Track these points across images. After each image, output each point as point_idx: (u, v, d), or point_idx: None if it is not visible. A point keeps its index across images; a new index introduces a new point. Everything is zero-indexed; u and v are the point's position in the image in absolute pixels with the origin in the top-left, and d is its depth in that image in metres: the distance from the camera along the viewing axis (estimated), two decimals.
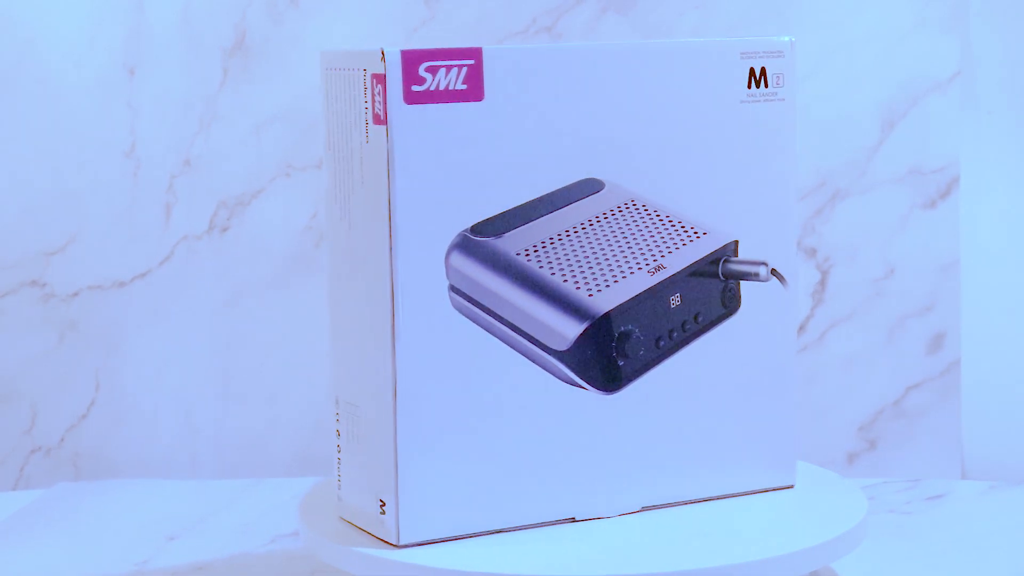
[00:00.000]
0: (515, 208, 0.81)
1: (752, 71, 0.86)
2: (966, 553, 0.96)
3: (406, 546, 0.80)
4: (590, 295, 0.82)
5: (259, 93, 1.13)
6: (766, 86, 0.86)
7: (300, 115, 1.13)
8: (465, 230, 0.80)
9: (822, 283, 1.12)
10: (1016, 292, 1.11)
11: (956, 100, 1.10)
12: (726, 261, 0.86)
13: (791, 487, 0.89)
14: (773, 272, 0.87)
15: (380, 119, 0.78)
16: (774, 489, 0.88)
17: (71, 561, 0.99)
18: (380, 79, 0.78)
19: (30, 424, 1.17)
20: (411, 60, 0.77)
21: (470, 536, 0.81)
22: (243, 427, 1.16)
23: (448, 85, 0.78)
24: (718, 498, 0.87)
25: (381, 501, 0.80)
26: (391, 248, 0.78)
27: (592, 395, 0.83)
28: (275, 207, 1.14)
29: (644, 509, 0.85)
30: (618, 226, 0.83)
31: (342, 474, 0.84)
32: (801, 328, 1.12)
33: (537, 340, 0.81)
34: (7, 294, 1.16)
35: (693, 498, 0.86)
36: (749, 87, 0.85)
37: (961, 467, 1.12)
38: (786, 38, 0.87)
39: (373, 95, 0.78)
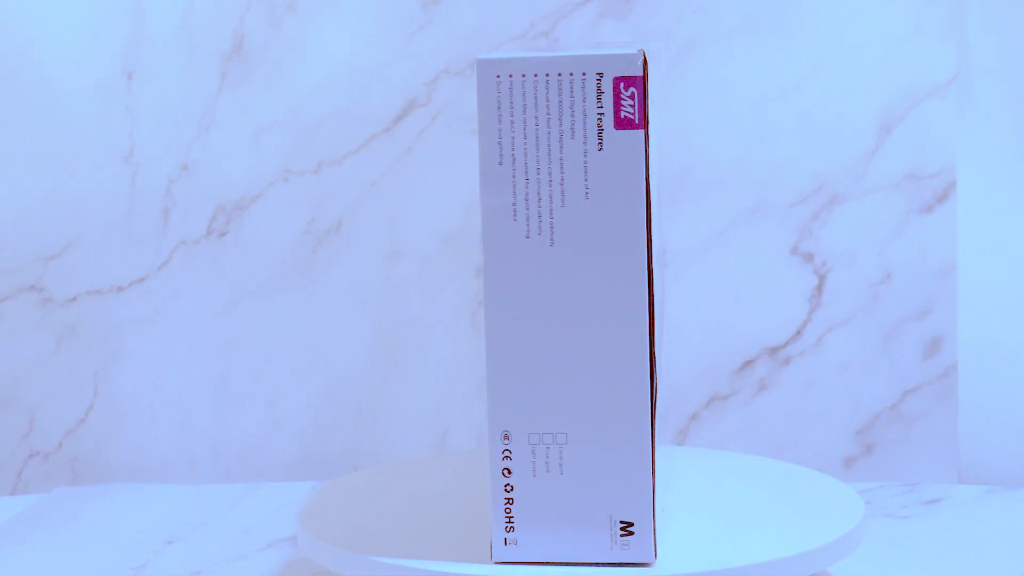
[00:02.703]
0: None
1: None
2: (963, 557, 0.96)
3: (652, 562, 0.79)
4: None
5: (257, 98, 1.14)
6: None
7: (299, 120, 1.13)
8: None
9: (819, 288, 1.12)
10: (1013, 296, 1.11)
11: (953, 105, 1.10)
12: None
13: None
14: None
15: (632, 123, 0.75)
16: None
17: (69, 565, 0.99)
18: (633, 81, 0.75)
19: (28, 429, 1.17)
20: (647, 60, 0.76)
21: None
22: (241, 431, 1.16)
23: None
24: None
25: (624, 523, 0.78)
26: (650, 260, 0.76)
27: None
28: (273, 212, 1.14)
29: None
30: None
31: (516, 515, 0.79)
32: (798, 333, 1.13)
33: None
34: (5, 299, 1.16)
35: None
36: None
37: (958, 471, 1.12)
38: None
39: (617, 99, 0.75)
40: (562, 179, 0.77)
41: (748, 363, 1.13)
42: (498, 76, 0.76)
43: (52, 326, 1.16)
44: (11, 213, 1.15)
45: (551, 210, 0.77)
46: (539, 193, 0.77)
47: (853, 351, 1.12)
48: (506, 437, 0.79)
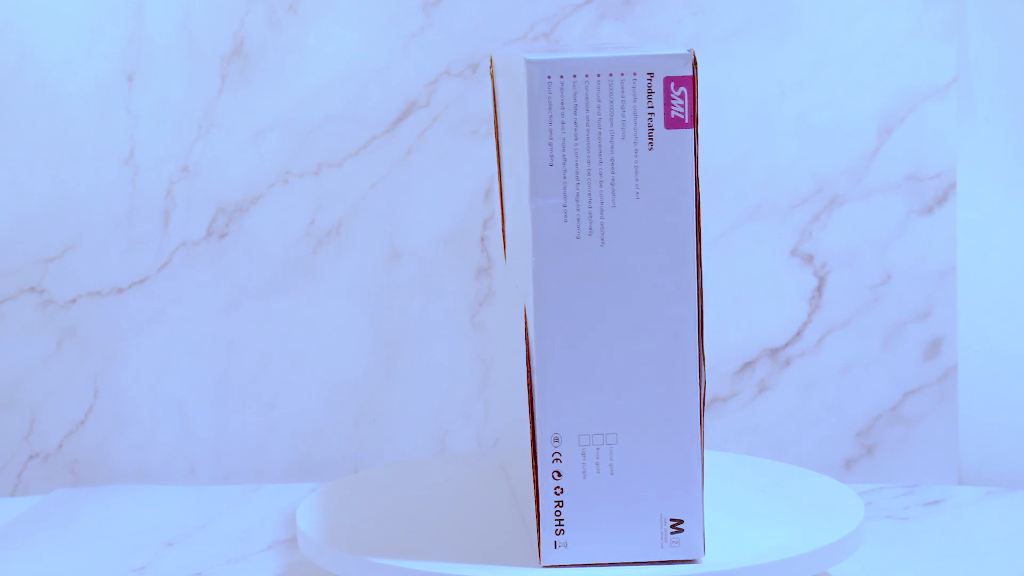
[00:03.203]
0: None
1: None
2: (963, 558, 0.96)
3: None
4: None
5: (258, 100, 1.14)
6: None
7: (299, 122, 1.13)
8: None
9: (819, 289, 1.12)
10: (1012, 298, 1.12)
11: (953, 107, 1.10)
12: None
13: None
14: None
15: (682, 123, 0.76)
16: None
17: (69, 567, 0.99)
18: (684, 81, 0.75)
19: (28, 430, 1.17)
20: (696, 60, 0.77)
21: None
22: (241, 433, 1.16)
23: None
24: None
25: (674, 521, 0.78)
26: (698, 257, 0.77)
27: None
28: (274, 213, 1.14)
29: None
30: None
31: (567, 517, 0.78)
32: (798, 334, 1.13)
33: None
34: (6, 300, 1.16)
35: None
36: None
37: (958, 472, 1.12)
38: None
39: (668, 99, 0.76)
40: (612, 179, 0.77)
41: (748, 364, 1.13)
42: (549, 77, 0.76)
43: (52, 328, 1.16)
44: (11, 214, 1.15)
45: (601, 210, 0.77)
46: (589, 194, 0.77)
47: (853, 353, 1.12)
48: (556, 439, 0.78)
